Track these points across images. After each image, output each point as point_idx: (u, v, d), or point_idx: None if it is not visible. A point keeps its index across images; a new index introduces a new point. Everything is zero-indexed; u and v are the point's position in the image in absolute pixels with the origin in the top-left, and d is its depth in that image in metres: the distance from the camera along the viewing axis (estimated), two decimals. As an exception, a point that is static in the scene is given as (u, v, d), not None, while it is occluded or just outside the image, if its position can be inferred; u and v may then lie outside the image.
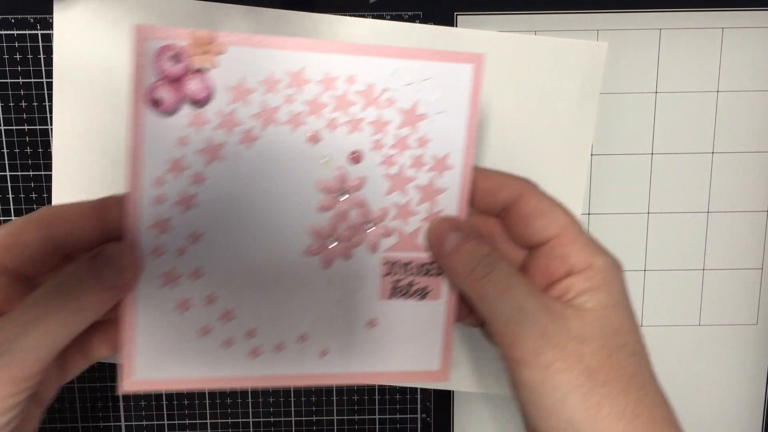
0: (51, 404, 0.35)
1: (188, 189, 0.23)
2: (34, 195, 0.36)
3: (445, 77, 0.24)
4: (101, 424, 0.38)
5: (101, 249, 0.22)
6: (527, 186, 0.25)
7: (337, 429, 0.39)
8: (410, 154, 0.24)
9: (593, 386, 0.22)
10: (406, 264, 0.25)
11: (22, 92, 0.34)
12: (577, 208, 0.34)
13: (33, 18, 0.33)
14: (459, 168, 0.25)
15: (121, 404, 0.39)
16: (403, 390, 0.39)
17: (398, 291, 0.25)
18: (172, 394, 0.39)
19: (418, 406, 0.39)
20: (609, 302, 0.23)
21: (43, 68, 0.34)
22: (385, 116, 0.24)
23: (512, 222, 0.25)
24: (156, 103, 0.23)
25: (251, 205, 0.24)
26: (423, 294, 0.25)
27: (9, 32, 0.33)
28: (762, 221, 0.36)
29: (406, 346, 0.26)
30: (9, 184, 0.36)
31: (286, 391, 0.40)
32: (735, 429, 0.37)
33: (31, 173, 0.36)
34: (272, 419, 0.39)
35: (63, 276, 0.21)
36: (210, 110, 0.23)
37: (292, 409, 0.39)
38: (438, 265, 0.25)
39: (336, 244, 0.25)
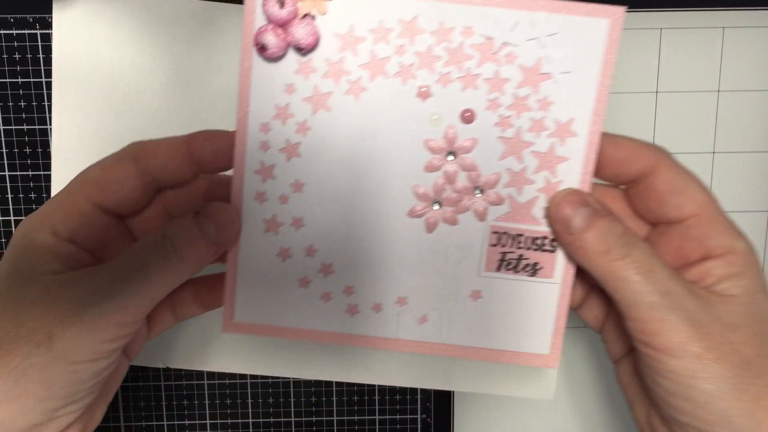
0: None
1: (293, 137, 0.35)
2: (33, 195, 0.48)
3: (574, 33, 0.32)
4: (101, 425, 0.45)
5: (206, 206, 0.34)
6: (662, 157, 0.33)
7: (337, 429, 0.52)
8: (529, 117, 0.34)
9: (749, 377, 0.29)
10: (517, 236, 0.35)
11: (21, 92, 0.46)
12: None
13: (32, 17, 0.45)
14: (585, 135, 0.33)
15: (121, 404, 0.50)
16: (403, 390, 0.50)
17: (506, 264, 0.35)
18: (172, 394, 0.50)
19: (418, 406, 0.51)
20: (755, 289, 0.31)
21: (42, 68, 0.46)
22: (503, 73, 0.33)
23: (642, 196, 0.34)
24: (262, 48, 0.35)
25: (355, 158, 0.35)
26: (533, 270, 0.35)
27: (8, 32, 0.45)
28: (763, 221, 0.48)
29: (511, 325, 0.36)
30: (8, 184, 0.47)
31: (286, 392, 0.51)
32: None
33: (30, 173, 0.47)
34: (272, 419, 0.51)
35: (168, 229, 0.32)
36: (317, 58, 0.34)
37: (292, 409, 0.51)
38: (561, 242, 0.34)
39: (441, 207, 0.36)
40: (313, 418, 0.52)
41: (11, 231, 0.48)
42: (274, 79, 0.35)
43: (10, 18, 0.45)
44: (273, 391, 0.51)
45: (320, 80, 0.34)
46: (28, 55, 0.46)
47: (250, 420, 0.52)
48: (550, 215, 0.34)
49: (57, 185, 0.41)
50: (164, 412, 0.51)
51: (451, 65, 0.34)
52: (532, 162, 0.34)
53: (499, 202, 0.35)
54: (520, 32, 0.33)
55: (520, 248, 0.35)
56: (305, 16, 0.34)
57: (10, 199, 0.48)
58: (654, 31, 0.46)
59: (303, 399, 0.51)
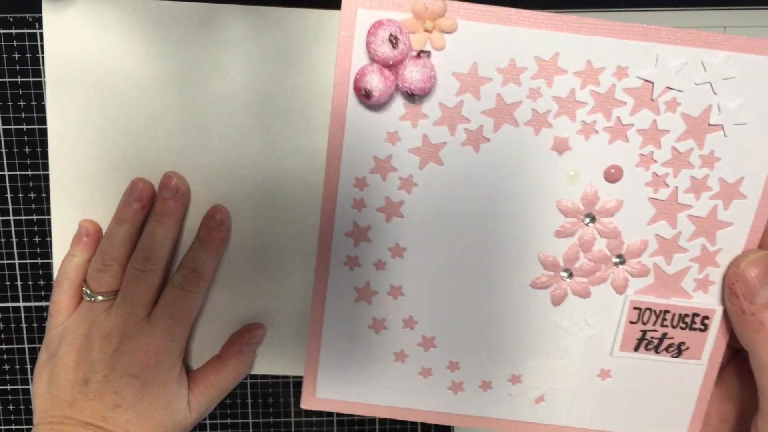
0: None
1: (395, 195, 0.29)
2: (33, 195, 0.47)
3: (757, 76, 0.26)
4: None
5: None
6: None
7: (337, 429, 0.50)
8: (689, 175, 0.28)
9: None
10: (662, 312, 0.30)
11: (21, 92, 0.45)
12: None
13: (31, 17, 0.44)
14: (756, 198, 0.28)
15: None
16: None
17: (646, 344, 0.30)
18: None
19: None
20: None
21: (41, 67, 0.45)
22: (662, 123, 0.27)
23: None
24: (366, 95, 0.27)
25: (469, 221, 0.29)
26: (678, 351, 0.30)
27: (7, 31, 0.44)
28: None
29: (646, 408, 0.31)
30: (8, 184, 0.47)
31: (286, 392, 0.50)
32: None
33: (30, 173, 0.47)
34: (272, 420, 0.50)
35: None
36: (430, 103, 0.27)
37: (292, 409, 0.50)
38: (733, 310, 0.29)
39: (572, 278, 0.30)
40: (313, 418, 0.50)
41: (11, 231, 0.48)
42: (374, 126, 0.28)
43: (10, 17, 0.44)
44: (273, 391, 0.50)
45: (431, 128, 0.28)
46: (28, 55, 0.45)
47: (250, 420, 0.51)
48: (733, 275, 0.29)
49: (55, 193, 0.41)
50: None
51: (598, 112, 0.27)
52: (687, 227, 0.28)
53: (644, 273, 0.29)
54: (688, 74, 0.27)
55: (664, 326, 0.29)
56: (420, 53, 0.26)
57: (9, 199, 0.47)
58: None
59: None
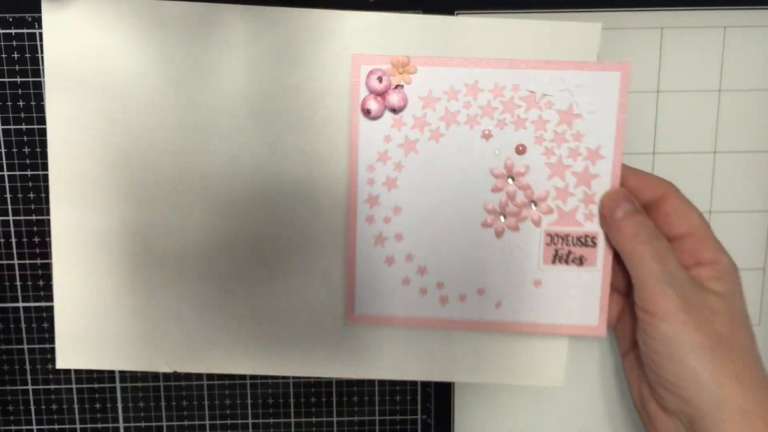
0: (48, 404, 0.50)
1: (392, 174, 0.45)
2: (32, 195, 0.47)
3: (596, 83, 0.42)
4: (100, 425, 0.51)
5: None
6: (671, 188, 0.41)
7: (337, 429, 0.51)
8: (567, 146, 0.44)
9: (721, 348, 0.38)
10: (565, 236, 0.45)
11: (20, 91, 0.45)
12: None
13: (31, 17, 0.44)
14: (610, 157, 0.43)
15: (120, 404, 0.50)
16: (403, 390, 0.51)
17: (559, 258, 0.46)
18: (172, 394, 0.50)
19: (418, 406, 0.52)
20: (734, 290, 0.40)
21: (41, 67, 0.45)
22: (544, 116, 0.44)
23: (654, 216, 0.41)
24: (368, 112, 0.48)
25: (439, 186, 0.45)
26: (580, 261, 0.46)
27: (7, 31, 0.45)
28: (764, 221, 0.49)
29: (567, 305, 0.46)
30: (7, 184, 0.47)
31: (286, 392, 0.51)
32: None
33: (29, 173, 0.47)
34: (272, 420, 0.51)
35: None
36: (406, 115, 0.47)
37: (292, 409, 0.51)
38: (604, 225, 0.42)
39: (506, 218, 0.47)
40: (313, 419, 0.52)
41: (10, 231, 0.48)
42: (375, 133, 0.46)
43: (9, 17, 0.45)
44: (273, 392, 0.52)
45: (409, 131, 0.46)
46: (27, 55, 0.45)
47: (250, 420, 0.52)
48: (601, 204, 0.44)
49: (54, 194, 0.41)
50: (164, 412, 0.51)
51: (506, 113, 0.45)
52: (572, 180, 0.45)
53: (549, 211, 0.46)
54: (554, 86, 0.44)
55: (568, 245, 0.46)
56: (397, 86, 0.45)
57: (8, 199, 0.47)
58: (655, 30, 0.47)
59: (303, 399, 0.52)
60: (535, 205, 0.46)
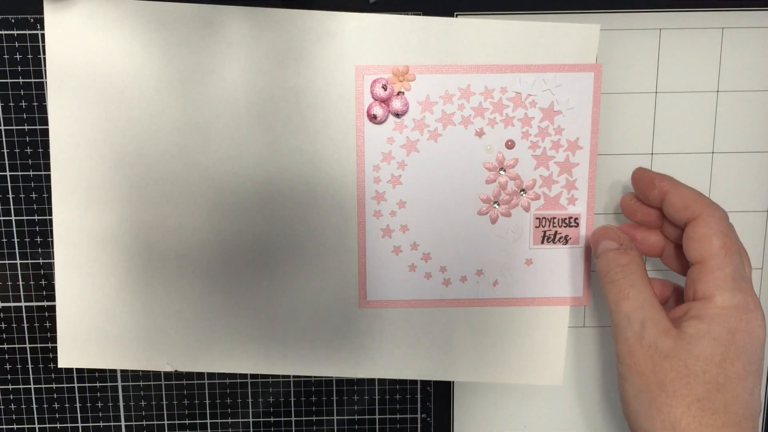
0: (50, 403, 0.50)
1: (395, 172, 0.50)
2: (34, 195, 0.47)
3: (573, 83, 0.49)
4: (101, 424, 0.51)
5: None
6: (706, 210, 0.39)
7: (337, 429, 0.52)
8: (550, 140, 0.50)
9: (663, 395, 0.37)
10: (552, 219, 0.51)
11: (22, 92, 0.45)
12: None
13: (33, 18, 0.44)
14: (588, 146, 0.51)
15: (121, 404, 0.50)
16: (403, 390, 0.52)
17: (547, 238, 0.53)
18: (172, 393, 0.50)
19: (418, 406, 0.52)
20: (712, 331, 0.37)
21: (43, 68, 0.45)
22: (529, 114, 0.50)
23: (683, 238, 0.41)
24: (373, 117, 0.54)
25: (439, 181, 0.50)
26: (566, 240, 0.53)
27: (9, 32, 0.44)
28: (762, 221, 0.50)
29: (556, 279, 0.53)
30: (9, 184, 0.47)
31: (286, 391, 0.51)
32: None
33: (31, 173, 0.46)
34: (272, 419, 0.51)
35: None
36: (407, 118, 0.54)
37: (292, 409, 0.51)
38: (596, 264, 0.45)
39: (499, 206, 0.54)
40: (313, 418, 0.52)
41: (12, 231, 0.48)
42: (379, 136, 0.52)
43: (11, 18, 0.45)
44: (273, 391, 0.52)
45: (410, 132, 0.52)
46: (29, 56, 0.45)
47: (251, 420, 0.52)
48: (590, 240, 0.48)
49: (57, 194, 0.41)
50: (164, 412, 0.51)
51: (495, 113, 0.51)
52: (555, 169, 0.52)
53: (537, 197, 0.52)
54: (537, 86, 0.50)
55: (554, 227, 0.53)
56: (398, 93, 0.51)
57: (11, 199, 0.47)
58: (653, 32, 0.47)
59: (303, 399, 0.52)
60: (524, 192, 0.52)
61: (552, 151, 0.51)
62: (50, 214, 0.45)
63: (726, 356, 0.36)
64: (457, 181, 0.52)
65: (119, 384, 0.51)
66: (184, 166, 0.40)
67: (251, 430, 0.51)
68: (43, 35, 0.44)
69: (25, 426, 0.51)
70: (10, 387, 0.50)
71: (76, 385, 0.50)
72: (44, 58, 0.44)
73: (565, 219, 0.52)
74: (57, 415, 0.51)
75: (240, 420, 0.51)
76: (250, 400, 0.51)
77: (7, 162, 0.47)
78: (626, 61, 0.48)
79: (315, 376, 0.50)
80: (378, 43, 0.45)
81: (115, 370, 0.50)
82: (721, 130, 0.49)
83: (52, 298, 0.49)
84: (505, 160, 0.51)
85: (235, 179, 0.41)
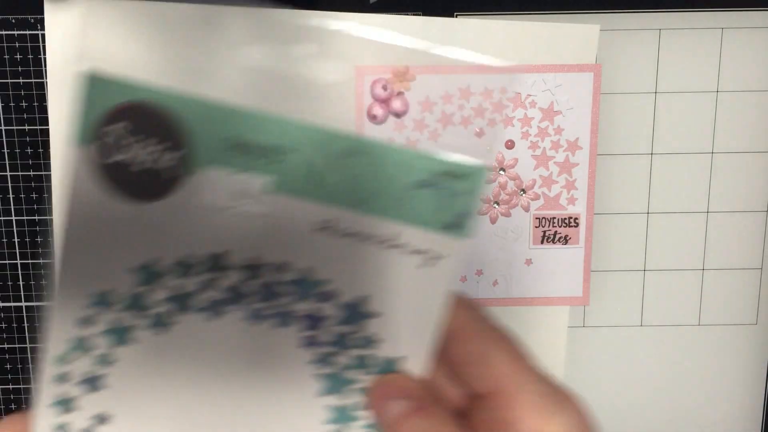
0: None
1: None
2: (34, 195, 0.47)
3: (572, 83, 0.51)
4: None
5: None
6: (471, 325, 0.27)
7: None
8: (549, 140, 0.51)
9: None
10: (551, 219, 0.53)
11: (22, 92, 0.45)
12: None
13: (33, 18, 0.44)
14: (587, 147, 0.53)
15: None
16: None
17: (546, 238, 0.55)
18: None
19: None
20: None
21: (43, 68, 0.45)
22: (529, 114, 0.51)
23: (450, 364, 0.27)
24: (374, 117, 0.55)
25: None
26: (565, 240, 0.55)
27: (9, 32, 0.45)
28: (762, 221, 0.50)
29: (555, 279, 0.56)
30: (9, 184, 0.47)
31: None
32: (735, 429, 0.52)
33: (31, 173, 0.46)
34: None
35: None
36: (407, 118, 0.55)
37: None
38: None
39: (499, 206, 0.56)
40: None
41: (12, 231, 0.48)
42: (380, 136, 0.52)
43: (12, 18, 0.45)
44: None
45: (411, 132, 0.52)
46: (29, 56, 0.46)
47: None
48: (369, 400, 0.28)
49: (58, 186, 0.42)
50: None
51: (495, 113, 0.52)
52: (555, 169, 0.52)
53: (537, 197, 0.53)
54: (537, 87, 0.51)
55: (554, 227, 0.53)
56: (399, 93, 0.51)
57: (11, 199, 0.48)
58: (653, 32, 0.48)
59: None
60: (524, 192, 0.52)
61: (552, 151, 0.51)
62: (50, 214, 0.46)
63: None
64: (457, 181, 0.51)
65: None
66: (184, 166, 0.41)
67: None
68: (43, 35, 0.45)
69: (25, 426, 0.50)
70: (11, 387, 0.50)
71: (77, 384, 0.50)
72: (44, 58, 0.45)
73: (565, 219, 0.52)
74: (57, 416, 0.50)
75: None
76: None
77: (7, 162, 0.47)
78: (626, 61, 0.49)
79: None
80: (379, 44, 0.45)
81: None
82: (720, 130, 0.49)
83: (53, 298, 0.49)
84: (505, 160, 0.51)
85: (235, 180, 0.41)
